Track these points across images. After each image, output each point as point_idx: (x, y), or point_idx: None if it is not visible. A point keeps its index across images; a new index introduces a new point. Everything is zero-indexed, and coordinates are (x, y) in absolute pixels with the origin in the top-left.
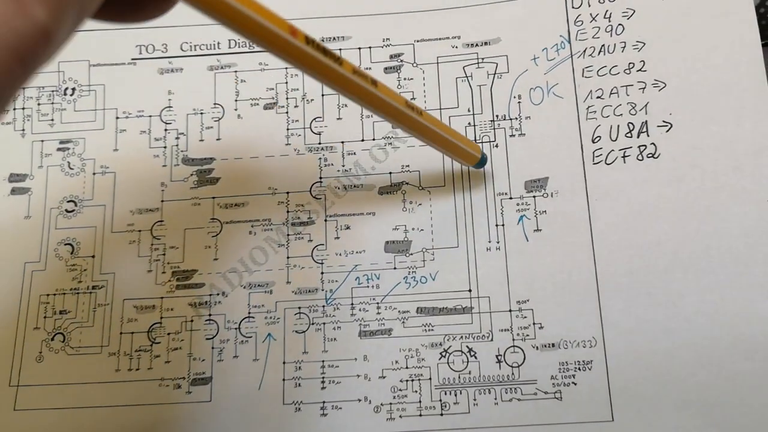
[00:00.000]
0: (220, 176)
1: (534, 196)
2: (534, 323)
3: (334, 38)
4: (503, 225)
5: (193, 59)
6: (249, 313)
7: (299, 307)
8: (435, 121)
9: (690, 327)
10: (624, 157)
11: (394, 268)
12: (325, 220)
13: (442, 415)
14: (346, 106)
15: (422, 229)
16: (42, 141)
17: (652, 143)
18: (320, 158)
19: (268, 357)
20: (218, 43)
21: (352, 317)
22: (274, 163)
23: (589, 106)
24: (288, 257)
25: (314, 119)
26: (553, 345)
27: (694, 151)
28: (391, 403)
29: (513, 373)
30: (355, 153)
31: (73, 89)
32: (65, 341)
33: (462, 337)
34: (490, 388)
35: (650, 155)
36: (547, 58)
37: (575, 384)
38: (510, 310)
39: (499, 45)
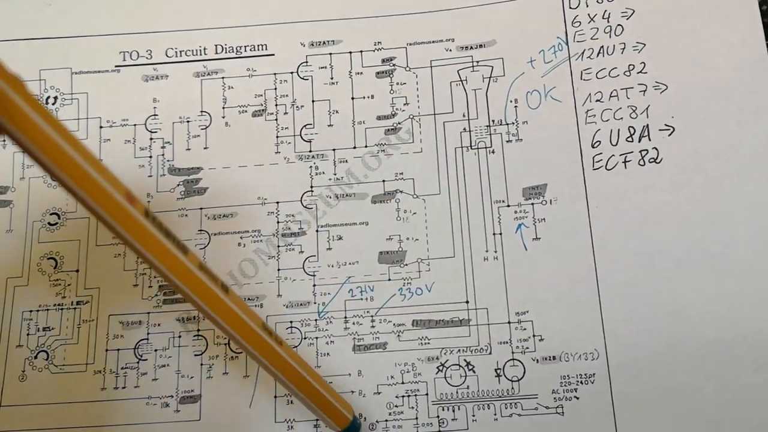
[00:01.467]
0: (207, 186)
1: (532, 204)
2: (534, 335)
3: (323, 42)
4: (501, 234)
5: (178, 65)
6: None
7: (291, 321)
8: (297, 357)
9: (695, 338)
10: (625, 162)
11: (389, 280)
12: (317, 231)
13: (439, 431)
14: (337, 112)
15: (417, 239)
16: (23, 152)
17: (654, 148)
18: (311, 166)
19: (259, 373)
20: (204, 49)
21: (345, 331)
22: (263, 172)
23: (588, 110)
24: (278, 269)
25: (304, 126)
26: (554, 358)
27: (697, 156)
28: (386, 420)
29: (513, 388)
30: (347, 161)
31: (55, 98)
32: (49, 359)
33: (459, 350)
34: (489, 403)
35: (652, 160)
36: (544, 60)
37: (577, 398)
38: (509, 322)
39: (495, 47)
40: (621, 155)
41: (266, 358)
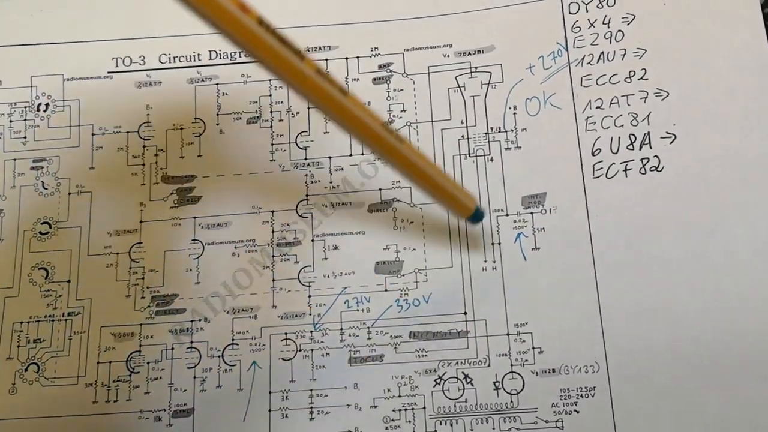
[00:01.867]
0: (201, 195)
1: (531, 213)
2: (533, 347)
3: (319, 48)
4: (499, 243)
5: (172, 72)
6: (233, 339)
7: (286, 333)
8: (419, 154)
9: (699, 350)
10: (626, 170)
11: (385, 290)
12: (312, 240)
13: None
14: None
15: (414, 249)
16: (14, 160)
17: (655, 155)
18: (306, 175)
19: (253, 386)
20: (198, 55)
21: (341, 343)
22: (258, 181)
23: (588, 117)
24: (273, 280)
25: (300, 133)
26: (554, 370)
27: (699, 164)
28: None
29: (512, 401)
30: (343, 169)
31: (47, 105)
32: (40, 372)
33: (457, 362)
34: (487, 417)
35: (653, 168)
36: (543, 66)
37: (577, 412)
38: (508, 334)
39: (493, 53)
40: (622, 163)
41: (389, 155)
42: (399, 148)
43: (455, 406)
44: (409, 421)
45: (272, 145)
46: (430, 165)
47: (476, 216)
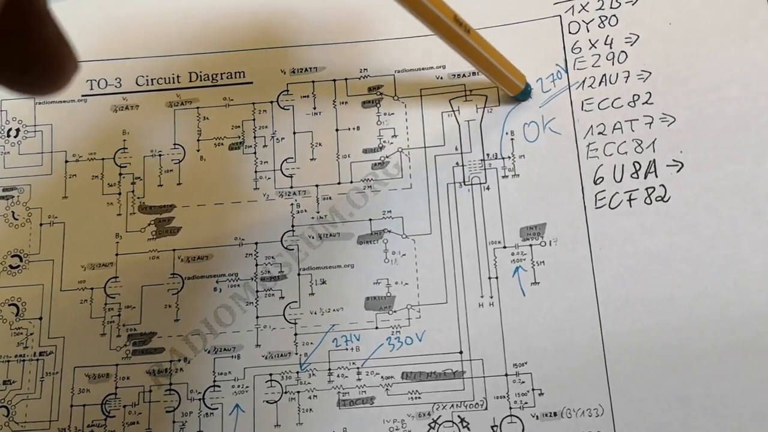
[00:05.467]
0: (181, 226)
1: (530, 245)
2: (533, 389)
3: (305, 69)
4: (497, 277)
5: (150, 95)
6: (214, 381)
7: (270, 374)
8: (482, 41)
9: (709, 395)
10: (630, 200)
11: (376, 328)
12: (299, 274)
13: None
14: (320, 145)
15: (407, 283)
16: None
17: (661, 185)
18: (292, 204)
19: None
20: (178, 77)
21: (329, 384)
22: (240, 210)
23: (589, 144)
24: (257, 317)
25: (285, 160)
26: (555, 414)
27: (708, 194)
28: None
29: None
30: (331, 197)
31: (17, 130)
32: (9, 415)
33: (453, 405)
34: None
35: (659, 198)
36: (542, 89)
37: None
38: (506, 375)
39: None
40: (626, 193)
41: (457, 45)
42: (465, 38)
43: None
44: None
45: (256, 172)
46: (491, 50)
47: (525, 92)
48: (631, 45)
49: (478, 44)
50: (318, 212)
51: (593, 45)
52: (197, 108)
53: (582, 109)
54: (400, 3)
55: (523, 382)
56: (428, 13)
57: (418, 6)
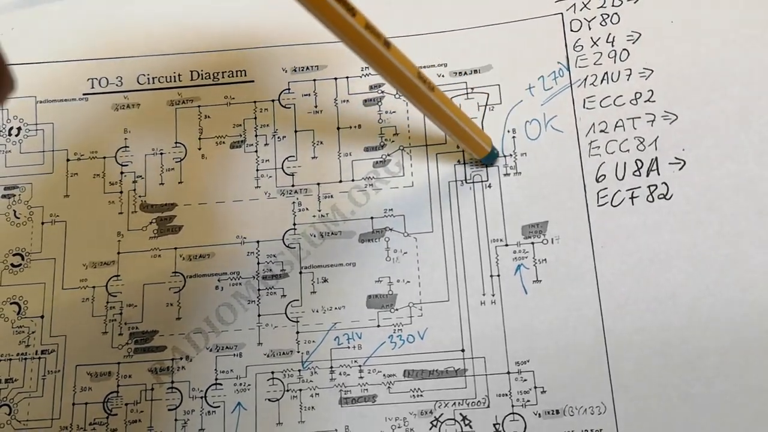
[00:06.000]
0: (182, 224)
1: (532, 243)
2: (535, 387)
3: (306, 68)
4: (499, 276)
5: (151, 93)
6: (216, 379)
7: (272, 372)
8: (446, 100)
9: (711, 393)
10: (632, 198)
11: (378, 326)
12: (300, 273)
13: None
14: (321, 143)
15: (408, 281)
16: None
17: (664, 183)
18: (294, 202)
19: (238, 429)
20: (179, 75)
21: (331, 382)
22: (242, 209)
23: (591, 141)
24: (259, 315)
25: (286, 158)
26: (558, 412)
27: (710, 192)
28: None
29: None
30: (332, 196)
31: (19, 129)
32: (11, 414)
33: (455, 403)
34: None
35: (661, 196)
36: (543, 87)
37: None
38: (508, 373)
39: (491, 73)
40: (628, 191)
41: (420, 103)
42: (428, 95)
43: None
44: None
45: (257, 170)
46: (455, 110)
47: (491, 156)
48: (633, 43)
49: (442, 102)
50: (319, 210)
51: (595, 43)
52: (198, 106)
53: (584, 107)
54: (358, 54)
55: (525, 380)
56: (391, 68)
57: (381, 60)
